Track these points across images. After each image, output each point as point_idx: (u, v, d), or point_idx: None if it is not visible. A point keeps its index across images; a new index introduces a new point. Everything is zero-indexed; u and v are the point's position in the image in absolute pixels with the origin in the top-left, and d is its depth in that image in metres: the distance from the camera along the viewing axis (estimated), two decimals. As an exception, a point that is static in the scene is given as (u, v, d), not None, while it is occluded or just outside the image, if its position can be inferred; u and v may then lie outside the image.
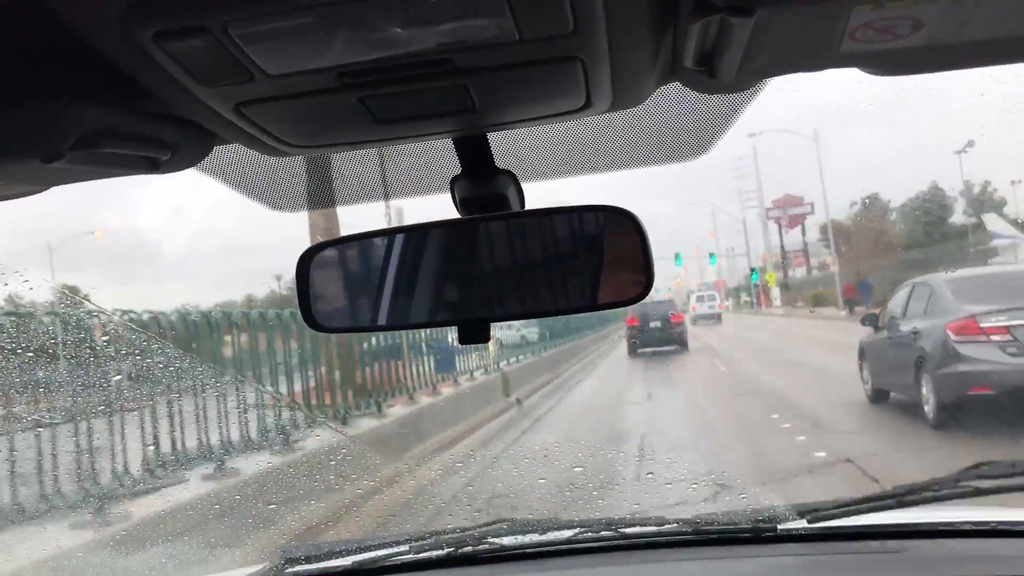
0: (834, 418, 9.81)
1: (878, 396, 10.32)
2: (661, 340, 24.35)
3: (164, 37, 0.75)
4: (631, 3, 0.78)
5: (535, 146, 1.29)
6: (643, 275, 1.12)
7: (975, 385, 8.09)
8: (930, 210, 43.85)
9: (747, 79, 0.97)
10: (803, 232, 58.18)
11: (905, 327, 9.57)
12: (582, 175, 1.44)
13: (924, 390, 8.70)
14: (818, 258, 58.64)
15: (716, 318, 46.73)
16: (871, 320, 11.19)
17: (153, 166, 1.04)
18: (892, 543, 1.76)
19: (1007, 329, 8.13)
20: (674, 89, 1.06)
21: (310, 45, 0.79)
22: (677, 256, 43.37)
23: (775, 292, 49.29)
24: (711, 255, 54.66)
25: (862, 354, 10.96)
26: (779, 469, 7.28)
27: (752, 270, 53.89)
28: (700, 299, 51.73)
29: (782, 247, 60.45)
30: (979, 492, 1.77)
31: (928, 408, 8.61)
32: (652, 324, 23.82)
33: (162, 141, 1.00)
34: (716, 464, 7.56)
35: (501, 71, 0.87)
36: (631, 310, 22.95)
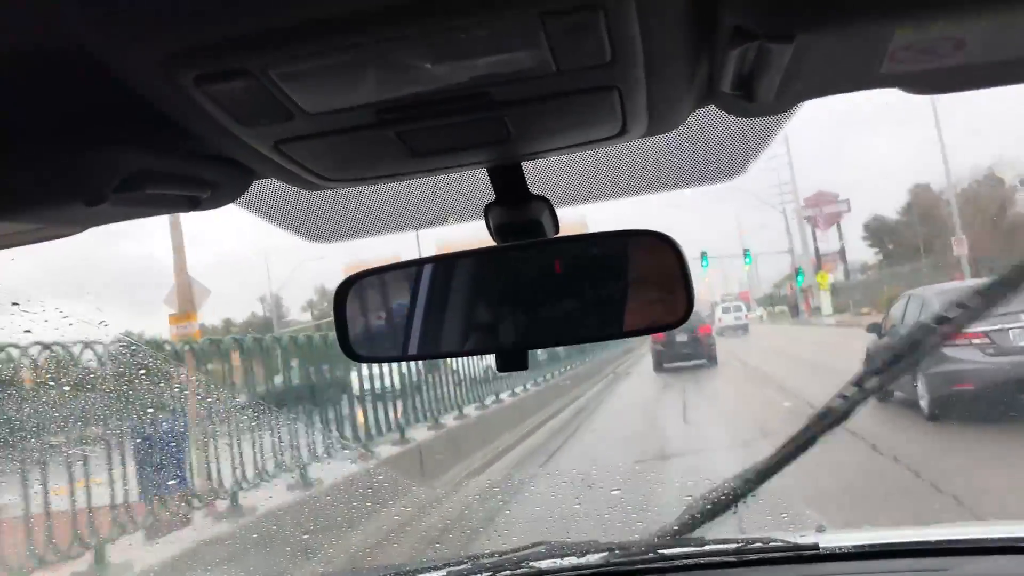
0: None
1: (884, 395, 11.67)
2: (689, 354, 23.14)
3: (206, 80, 0.76)
4: (668, 31, 0.78)
5: (569, 172, 1.28)
6: (683, 299, 1.11)
7: (960, 382, 9.45)
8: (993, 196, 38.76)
9: (785, 101, 0.95)
10: (839, 232, 53.29)
11: (903, 334, 10.93)
12: (616, 199, 1.42)
13: (919, 388, 10.07)
14: (853, 261, 53.94)
15: (743, 328, 46.93)
16: (876, 328, 12.56)
17: (193, 204, 1.05)
18: (936, 560, 1.74)
19: (985, 334, 9.48)
20: (710, 111, 1.05)
21: (348, 83, 0.80)
22: (704, 257, 38.88)
23: (824, 297, 41.74)
24: (746, 252, 48.19)
25: (869, 359, 12.32)
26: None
27: (797, 270, 47.92)
28: (726, 310, 51.88)
29: (816, 248, 54.56)
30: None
31: (923, 403, 9.96)
32: (679, 338, 22.46)
33: (202, 180, 1.01)
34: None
35: (537, 102, 0.87)
36: None
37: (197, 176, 1.00)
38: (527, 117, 0.92)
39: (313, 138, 0.90)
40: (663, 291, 1.12)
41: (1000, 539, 1.78)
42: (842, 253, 53.57)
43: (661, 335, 21.81)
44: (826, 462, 7.91)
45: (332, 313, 1.22)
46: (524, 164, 1.14)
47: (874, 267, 50.65)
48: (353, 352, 1.22)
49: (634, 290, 1.15)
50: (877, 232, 51.79)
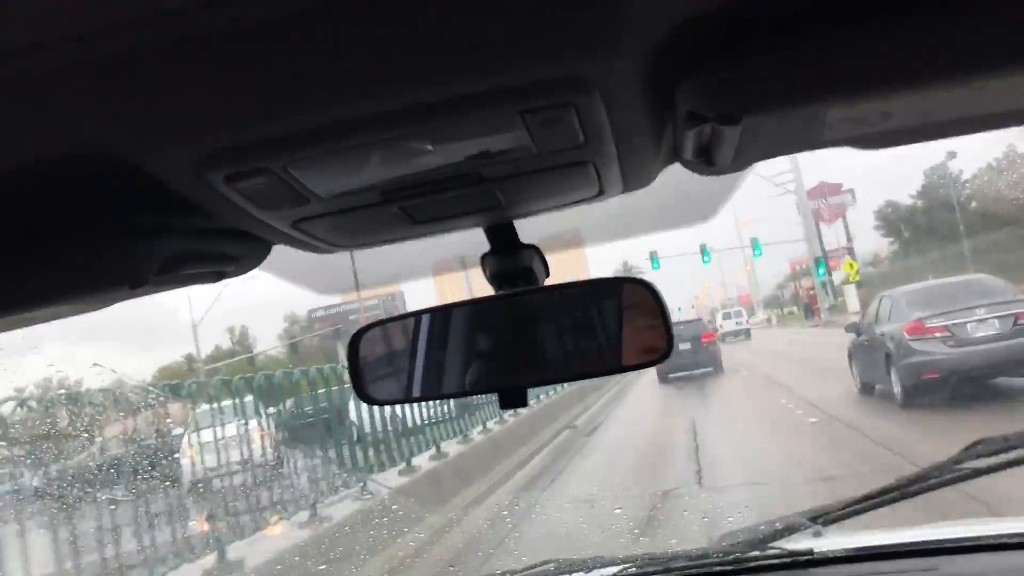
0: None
1: (865, 388, 12.90)
2: (693, 363, 22.44)
3: (232, 179, 0.85)
4: (632, 116, 0.88)
5: (557, 223, 1.37)
6: (664, 337, 1.21)
7: (926, 372, 10.70)
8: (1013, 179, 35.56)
9: (741, 164, 1.05)
10: (845, 225, 49.31)
11: (877, 331, 12.17)
12: (599, 245, 1.56)
13: (893, 379, 11.29)
14: (863, 253, 48.83)
15: (745, 333, 46.59)
16: (854, 327, 13.81)
17: (220, 276, 1.16)
18: (927, 560, 1.79)
19: (946, 327, 10.73)
20: (678, 168, 1.13)
21: (356, 171, 0.90)
22: (705, 251, 36.58)
23: (850, 293, 35.17)
24: (755, 242, 42.52)
25: (850, 356, 13.56)
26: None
27: (818, 260, 42.09)
28: (727, 316, 51.62)
29: (821, 242, 50.21)
30: (977, 472, 1.82)
31: (897, 392, 11.20)
32: (682, 347, 21.64)
33: (227, 255, 1.12)
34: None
35: (522, 176, 0.97)
36: None
37: (224, 253, 1.10)
38: (514, 188, 1.02)
39: (326, 216, 1.00)
40: (646, 330, 1.22)
41: (986, 536, 1.83)
42: (850, 247, 49.80)
43: None
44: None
45: (347, 360, 1.33)
46: (516, 222, 1.25)
47: (887, 258, 46.97)
48: (367, 395, 1.33)
49: (619, 329, 1.25)
50: (891, 220, 48.15)
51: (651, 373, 22.81)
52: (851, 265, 38.46)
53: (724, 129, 0.86)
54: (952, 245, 34.46)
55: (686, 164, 1.06)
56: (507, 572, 2.05)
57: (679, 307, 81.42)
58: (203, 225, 1.01)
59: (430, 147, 0.86)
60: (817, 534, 2.08)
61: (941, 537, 1.87)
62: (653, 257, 35.26)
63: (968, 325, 10.68)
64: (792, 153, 1.07)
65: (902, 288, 13.73)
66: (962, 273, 20.58)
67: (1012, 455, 1.80)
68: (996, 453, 1.82)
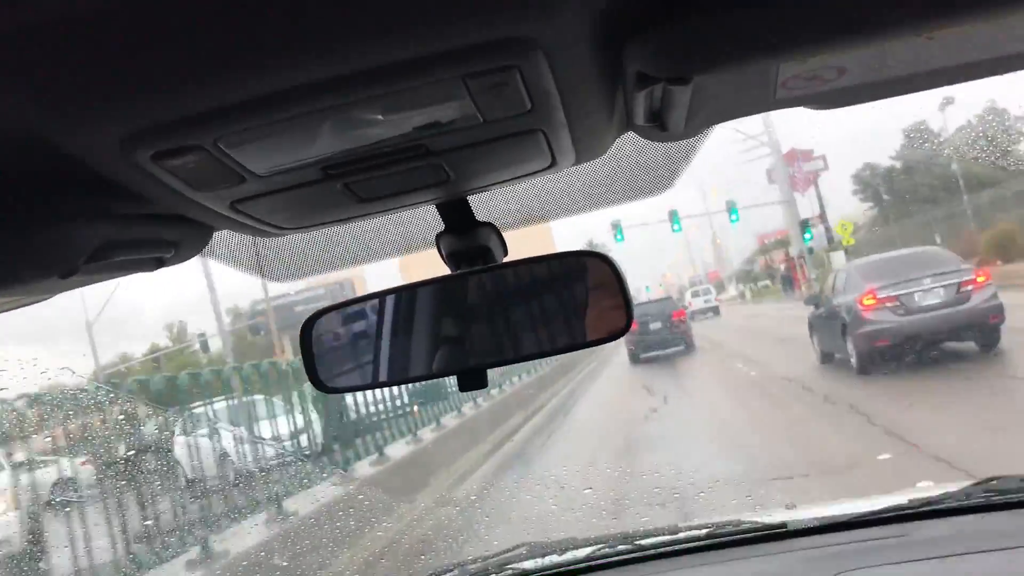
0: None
1: (825, 358, 13.69)
2: (665, 342, 22.18)
3: (161, 157, 0.81)
4: (579, 80, 0.84)
5: (512, 199, 1.36)
6: (623, 310, 1.18)
7: (878, 339, 11.50)
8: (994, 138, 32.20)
9: (694, 128, 1.02)
10: (818, 192, 44.74)
11: (834, 303, 12.96)
12: (557, 219, 1.50)
13: (849, 348, 12.09)
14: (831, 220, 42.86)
15: (714, 311, 46.92)
16: (813, 300, 14.62)
17: (159, 263, 1.10)
18: (898, 527, 1.82)
19: (896, 297, 11.52)
20: (632, 136, 1.12)
21: (293, 146, 0.86)
22: (675, 217, 32.99)
23: (839, 260, 29.73)
24: (731, 207, 37.32)
25: (811, 327, 14.36)
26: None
27: (804, 224, 38.78)
28: (696, 294, 51.59)
29: (795, 209, 45.64)
30: (990, 507, 1.83)
31: (853, 360, 11.99)
32: (653, 326, 21.71)
33: (166, 242, 1.07)
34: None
35: (470, 148, 0.94)
36: None
37: (161, 239, 1.06)
38: (463, 161, 0.98)
39: (265, 196, 0.96)
40: (605, 304, 1.19)
41: (954, 500, 1.86)
42: (823, 215, 45.07)
43: (635, 324, 19.43)
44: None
45: (300, 348, 1.27)
46: (470, 197, 1.21)
47: (864, 226, 43.40)
48: (321, 384, 1.28)
49: (579, 305, 1.22)
50: (869, 183, 45.30)
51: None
52: (844, 227, 34.80)
53: (674, 90, 0.85)
54: (932, 208, 33.83)
55: (639, 131, 1.04)
56: (480, 558, 2.05)
57: (646, 285, 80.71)
58: (137, 209, 0.97)
59: (370, 117, 0.83)
60: (790, 507, 2.15)
61: (910, 503, 1.89)
62: (617, 228, 31.84)
63: (916, 295, 11.47)
64: (746, 115, 1.05)
65: (856, 261, 14.60)
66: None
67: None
68: (1011, 492, 1.83)
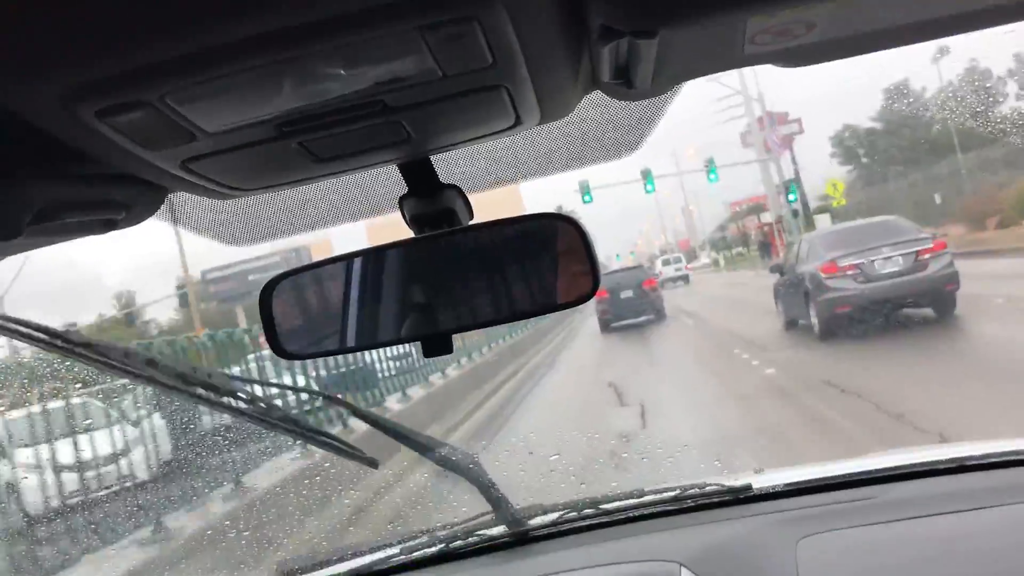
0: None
1: (789, 324, 14.16)
2: (636, 311, 21.88)
3: (105, 113, 0.78)
4: (542, 33, 0.82)
5: (477, 161, 1.32)
6: (590, 274, 1.17)
7: (839, 306, 11.96)
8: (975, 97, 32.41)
9: (662, 85, 1.01)
10: (792, 157, 42.04)
11: (798, 271, 13.39)
12: (522, 182, 1.48)
13: (811, 314, 12.53)
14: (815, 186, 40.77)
15: (684, 279, 47.44)
16: (777, 268, 15.07)
17: (109, 226, 1.07)
18: (865, 489, 1.82)
19: (856, 266, 11.95)
20: (599, 96, 1.09)
21: (244, 102, 0.83)
22: (648, 178, 30.09)
23: (824, 223, 28.18)
24: (710, 165, 33.89)
25: (776, 294, 14.81)
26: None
27: (788, 185, 35.98)
28: (666, 262, 51.95)
29: (766, 174, 43.50)
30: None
31: (815, 325, 12.44)
32: (624, 295, 21.47)
33: (116, 203, 1.03)
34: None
35: (429, 104, 0.91)
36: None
37: (110, 199, 1.02)
38: (423, 118, 0.95)
39: (218, 155, 0.93)
40: (571, 267, 1.17)
41: (923, 463, 1.87)
42: (798, 179, 42.53)
43: (604, 293, 20.43)
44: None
45: (260, 315, 1.24)
46: (434, 158, 1.18)
47: (844, 188, 39.07)
48: (283, 350, 1.25)
49: (545, 269, 1.21)
50: (849, 145, 44.14)
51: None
52: (835, 186, 32.22)
53: (640, 44, 0.83)
54: (913, 170, 33.18)
55: (606, 89, 1.03)
56: (448, 525, 2.04)
57: (616, 253, 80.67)
58: (84, 169, 0.93)
59: (323, 72, 0.80)
60: (758, 471, 2.15)
61: (877, 467, 1.90)
62: (584, 189, 29.62)
63: (876, 263, 11.95)
64: (713, 72, 1.03)
65: (819, 230, 15.09)
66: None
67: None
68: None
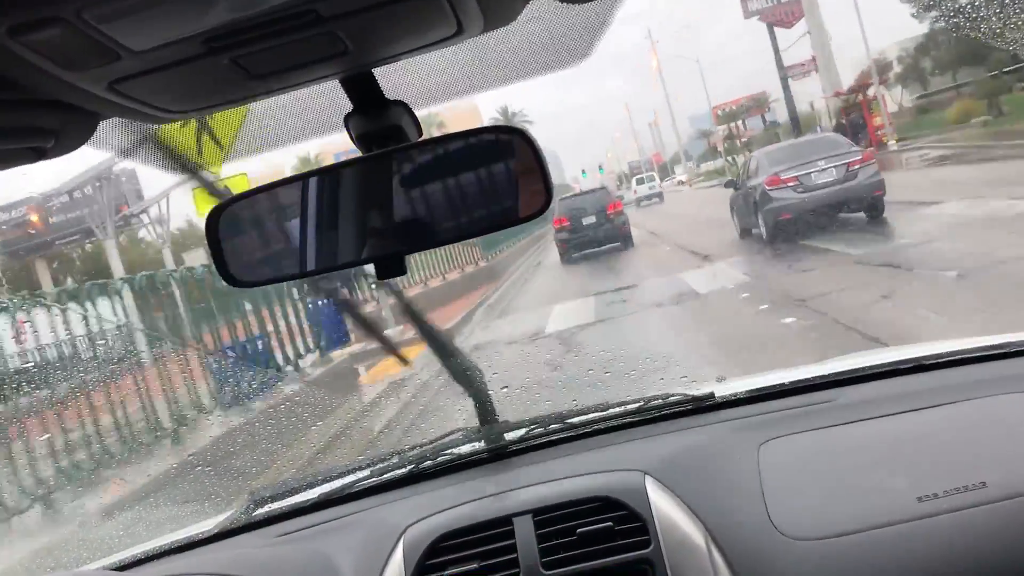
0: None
1: (743, 234, 16.01)
2: (600, 239, 20.19)
3: (19, 31, 0.73)
4: None
5: (422, 74, 1.27)
6: (542, 187, 1.14)
7: (782, 214, 13.76)
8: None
9: None
10: (809, 30, 35.07)
11: (748, 184, 15.15)
12: (471, 95, 1.42)
13: (759, 222, 14.34)
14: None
15: (659, 197, 47.72)
16: (732, 183, 16.84)
17: (39, 154, 1.02)
18: (824, 393, 1.85)
19: (796, 178, 13.74)
20: (545, 2, 1.05)
21: (169, 17, 0.78)
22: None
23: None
24: None
25: (731, 208, 16.63)
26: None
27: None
28: (640, 181, 51.84)
29: (777, 54, 36.88)
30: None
31: (763, 232, 14.26)
32: (586, 220, 19.86)
33: (42, 129, 0.98)
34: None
35: (364, 13, 0.87)
36: (557, 208, 19.28)
37: (35, 126, 0.97)
38: (359, 28, 0.91)
39: (147, 75, 0.89)
40: (524, 181, 1.16)
41: (880, 365, 1.91)
42: (815, 61, 36.22)
43: (564, 220, 19.88)
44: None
45: (207, 241, 1.21)
46: (379, 74, 1.14)
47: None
48: (232, 277, 1.22)
49: (497, 184, 1.18)
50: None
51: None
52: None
53: None
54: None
55: None
56: (417, 446, 2.06)
57: (583, 170, 77.31)
58: (5, 95, 0.88)
59: None
60: (720, 379, 2.20)
61: (837, 370, 1.93)
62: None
63: (812, 175, 13.73)
64: None
65: (764, 148, 16.85)
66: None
67: None
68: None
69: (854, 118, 29.02)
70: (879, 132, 28.64)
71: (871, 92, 29.83)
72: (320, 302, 11.03)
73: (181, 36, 0.82)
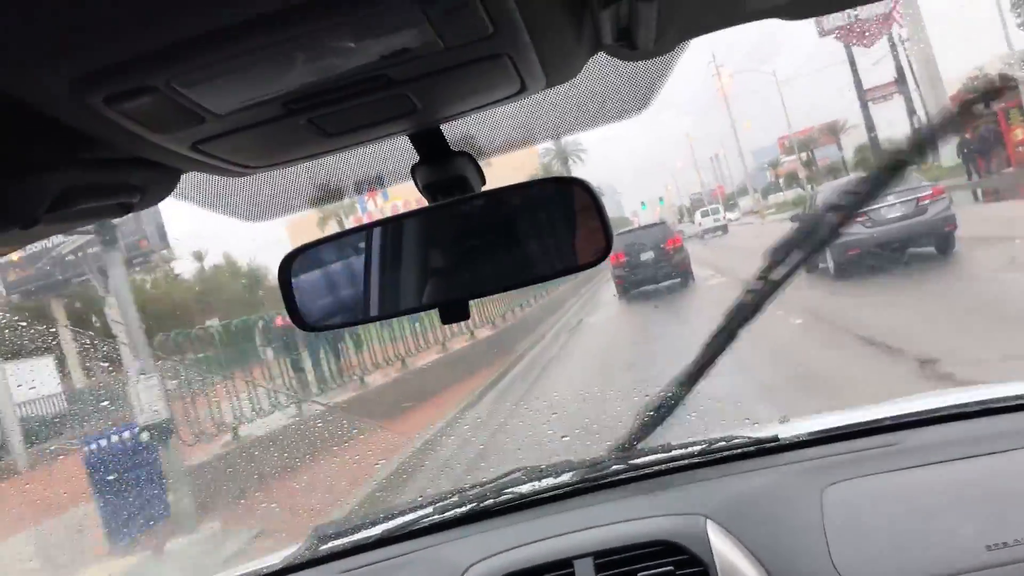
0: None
1: (810, 268, 15.73)
2: (658, 275, 19.40)
3: (114, 100, 0.79)
4: (541, 1, 0.81)
5: (486, 127, 1.31)
6: (602, 235, 1.17)
7: (850, 249, 13.52)
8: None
9: (666, 45, 0.99)
10: (893, 46, 30.63)
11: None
12: (534, 145, 1.48)
13: (827, 257, 14.12)
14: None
15: (723, 229, 47.72)
16: (797, 218, 16.57)
17: (126, 209, 1.08)
18: (889, 436, 1.82)
19: (865, 214, 13.48)
20: (604, 58, 1.08)
21: (251, 82, 0.83)
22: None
23: None
24: None
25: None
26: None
27: None
28: (705, 214, 52.38)
29: (856, 76, 33.17)
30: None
31: (830, 267, 14.04)
32: (644, 256, 19.16)
33: (130, 186, 1.04)
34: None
35: (434, 75, 0.90)
36: (615, 246, 17.53)
37: (125, 184, 1.03)
38: (428, 89, 0.95)
39: (228, 135, 0.93)
40: (584, 230, 1.18)
41: (946, 407, 1.87)
42: (901, 76, 31.30)
43: (621, 255, 18.99)
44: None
45: (280, 288, 1.26)
46: (444, 126, 1.18)
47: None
48: (303, 322, 1.26)
49: (558, 232, 1.22)
50: None
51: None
52: None
53: (640, 6, 0.83)
54: None
55: (610, 51, 1.02)
56: (478, 484, 2.06)
57: (642, 202, 77.65)
58: (96, 155, 0.94)
59: (326, 49, 0.80)
60: (783, 421, 2.16)
61: (902, 412, 1.89)
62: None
63: (882, 209, 13.48)
64: (717, 29, 1.02)
65: (831, 182, 16.58)
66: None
67: None
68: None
69: (984, 133, 23.31)
70: (1021, 148, 22.57)
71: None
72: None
73: (262, 99, 0.87)
